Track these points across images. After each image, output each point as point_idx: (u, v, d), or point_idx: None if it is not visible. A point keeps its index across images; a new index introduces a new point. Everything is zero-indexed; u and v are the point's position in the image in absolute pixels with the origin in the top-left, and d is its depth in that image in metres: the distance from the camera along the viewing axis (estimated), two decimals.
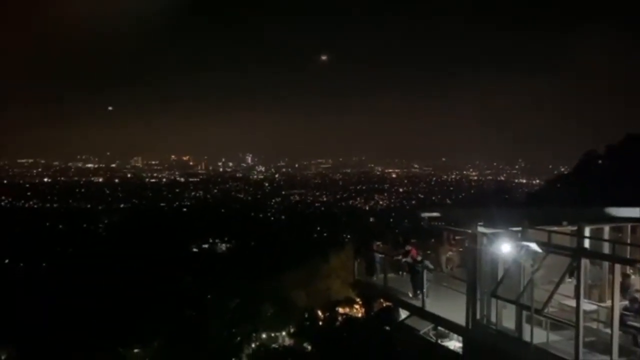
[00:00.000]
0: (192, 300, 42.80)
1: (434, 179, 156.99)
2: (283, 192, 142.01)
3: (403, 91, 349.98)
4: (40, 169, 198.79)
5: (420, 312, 15.21)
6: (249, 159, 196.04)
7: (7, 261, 66.40)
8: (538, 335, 11.09)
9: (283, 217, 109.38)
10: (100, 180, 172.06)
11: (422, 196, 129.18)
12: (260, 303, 42.10)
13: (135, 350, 37.33)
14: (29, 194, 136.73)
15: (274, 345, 40.10)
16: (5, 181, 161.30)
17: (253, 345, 39.85)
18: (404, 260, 16.51)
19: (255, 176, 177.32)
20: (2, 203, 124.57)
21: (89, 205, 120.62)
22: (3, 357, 37.04)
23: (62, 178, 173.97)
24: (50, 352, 34.91)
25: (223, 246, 77.84)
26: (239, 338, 40.11)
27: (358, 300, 37.43)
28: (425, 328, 15.53)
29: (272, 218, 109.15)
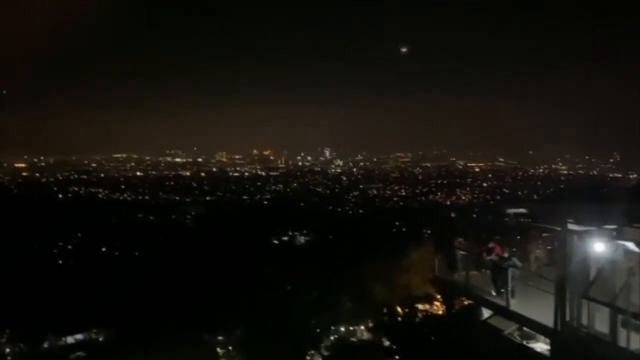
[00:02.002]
0: (273, 291, 43.85)
1: (520, 173, 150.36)
2: (361, 186, 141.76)
3: (485, 84, 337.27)
4: (133, 164, 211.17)
5: (504, 312, 14.69)
6: (327, 153, 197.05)
7: (104, 249, 71.27)
8: (635, 341, 10.37)
9: (361, 211, 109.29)
10: (188, 174, 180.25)
11: (507, 191, 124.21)
12: (338, 296, 42.44)
13: (219, 338, 38.84)
14: (123, 187, 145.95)
15: (352, 339, 40.30)
16: (102, 175, 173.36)
17: (332, 338, 40.25)
18: (488, 257, 15.98)
19: (333, 170, 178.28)
20: (100, 195, 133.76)
21: (177, 198, 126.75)
22: (101, 339, 39.84)
23: (153, 172, 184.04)
24: (142, 336, 37.05)
25: (302, 239, 79.07)
26: (317, 330, 40.65)
27: (438, 297, 36.76)
28: (510, 328, 14.99)
29: (350, 212, 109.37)
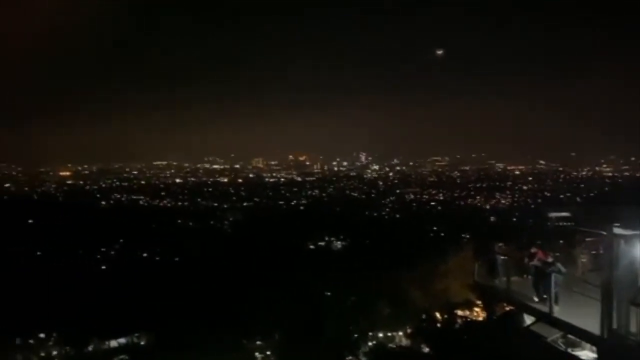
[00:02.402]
0: (310, 296, 43.93)
1: (562, 175, 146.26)
2: (397, 191, 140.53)
3: (524, 85, 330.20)
4: (172, 171, 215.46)
5: (547, 318, 14.27)
6: (363, 158, 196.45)
7: (145, 255, 72.86)
8: None
9: (397, 215, 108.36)
10: (225, 180, 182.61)
11: (548, 194, 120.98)
12: (376, 301, 42.15)
13: (258, 342, 39.14)
14: (163, 193, 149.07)
15: (391, 345, 39.93)
16: (143, 182, 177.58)
17: (370, 344, 39.98)
18: (530, 262, 15.59)
19: (369, 175, 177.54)
20: (141, 202, 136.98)
21: (215, 204, 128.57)
22: (142, 342, 40.73)
23: (192, 179, 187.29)
24: (182, 340, 37.70)
25: (338, 244, 78.96)
26: (355, 335, 40.46)
27: (478, 303, 36.03)
28: (554, 335, 14.55)
29: (387, 217, 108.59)
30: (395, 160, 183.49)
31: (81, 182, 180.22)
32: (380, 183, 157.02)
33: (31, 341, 39.16)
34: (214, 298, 45.53)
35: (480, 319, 36.05)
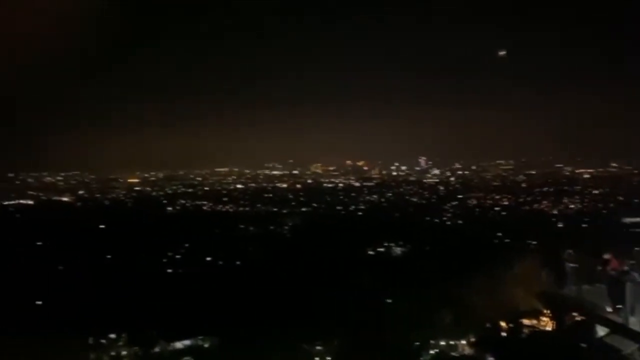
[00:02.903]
0: (370, 303, 43.62)
1: (637, 179, 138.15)
2: (459, 196, 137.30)
3: (591, 86, 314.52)
4: (234, 177, 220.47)
5: (623, 330, 13.46)
6: (423, 162, 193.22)
7: (208, 259, 74.74)
8: None
9: (460, 221, 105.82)
10: (285, 186, 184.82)
11: (621, 199, 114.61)
12: (438, 309, 41.32)
13: (318, 348, 39.20)
14: (225, 199, 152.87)
15: (453, 354, 38.99)
16: (206, 188, 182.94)
17: (432, 352, 39.20)
18: (603, 271, 14.78)
19: (429, 179, 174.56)
20: (204, 207, 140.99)
21: (275, 209, 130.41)
22: (206, 345, 41.72)
23: (253, 184, 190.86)
24: (244, 343, 38.36)
25: (398, 250, 77.98)
26: (416, 343, 39.80)
27: (546, 312, 34.62)
28: (630, 348, 13.72)
29: (448, 223, 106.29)
30: (457, 165, 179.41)
31: (148, 189, 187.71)
32: (441, 188, 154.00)
33: (103, 341, 40.99)
34: (274, 302, 46.07)
35: (548, 328, 34.64)
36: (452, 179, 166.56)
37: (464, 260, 60.89)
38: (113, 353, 40.22)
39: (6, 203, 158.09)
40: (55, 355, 37.42)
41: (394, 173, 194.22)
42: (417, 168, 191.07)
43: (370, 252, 76.16)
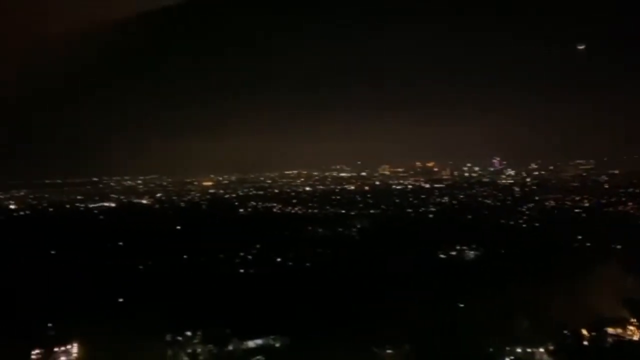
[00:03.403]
0: (442, 307, 42.70)
1: None
2: (536, 197, 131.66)
3: None
4: (302, 179, 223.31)
5: None
6: (497, 163, 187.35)
7: (278, 259, 76.02)
8: None
9: (536, 224, 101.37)
10: (353, 187, 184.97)
11: None
12: (513, 314, 39.85)
13: (388, 351, 38.82)
14: (294, 201, 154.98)
15: None
16: (276, 190, 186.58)
17: (507, 359, 37.86)
18: None
19: (503, 180, 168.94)
20: (274, 209, 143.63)
21: (343, 211, 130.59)
22: (277, 345, 42.35)
23: (321, 187, 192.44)
24: (315, 344, 38.64)
25: (471, 253, 75.78)
26: (490, 349, 38.55)
27: (633, 321, 32.51)
28: None
29: (524, 225, 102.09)
30: (533, 165, 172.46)
31: (221, 191, 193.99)
32: (517, 189, 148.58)
33: (179, 338, 42.67)
34: (344, 304, 46.13)
35: (636, 338, 32.51)
36: (528, 179, 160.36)
37: (541, 264, 58.37)
38: (189, 350, 41.73)
39: (91, 205, 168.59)
40: (135, 350, 39.34)
41: (466, 174, 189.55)
42: (491, 169, 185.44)
43: (442, 256, 74.51)
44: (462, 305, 44.80)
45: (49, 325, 44.68)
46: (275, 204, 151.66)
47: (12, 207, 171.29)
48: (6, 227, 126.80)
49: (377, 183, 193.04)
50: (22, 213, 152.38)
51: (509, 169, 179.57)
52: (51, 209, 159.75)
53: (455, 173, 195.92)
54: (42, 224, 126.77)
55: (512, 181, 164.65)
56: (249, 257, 77.69)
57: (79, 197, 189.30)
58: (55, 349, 41.35)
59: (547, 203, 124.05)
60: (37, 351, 40.75)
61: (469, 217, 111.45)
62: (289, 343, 41.59)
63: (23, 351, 40.03)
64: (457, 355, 36.33)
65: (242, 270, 70.96)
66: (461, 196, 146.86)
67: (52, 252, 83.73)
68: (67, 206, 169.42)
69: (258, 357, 40.33)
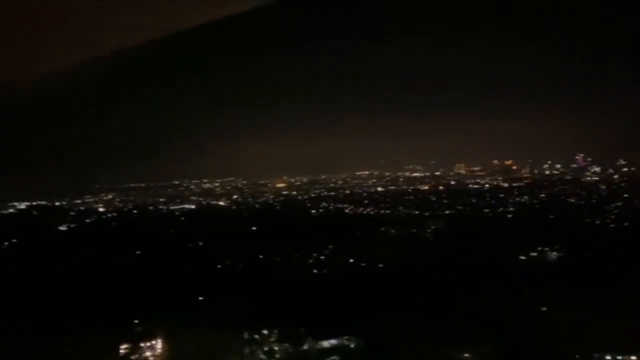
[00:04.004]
0: (522, 310, 40.97)
1: None
2: (625, 195, 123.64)
3: None
4: (374, 180, 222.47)
5: None
6: (580, 160, 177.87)
7: (351, 260, 75.98)
8: None
9: (626, 223, 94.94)
10: (426, 187, 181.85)
11: None
12: (601, 319, 37.56)
13: (465, 355, 37.73)
14: (365, 202, 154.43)
15: None
16: (347, 191, 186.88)
17: None
18: None
19: (588, 178, 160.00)
20: (346, 210, 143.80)
21: (416, 212, 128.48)
22: (352, 345, 42.33)
23: (393, 187, 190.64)
24: (390, 346, 38.26)
25: (554, 254, 72.14)
26: (577, 356, 36.57)
27: None
28: None
29: (612, 225, 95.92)
30: (621, 161, 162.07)
31: (294, 193, 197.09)
32: (603, 187, 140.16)
33: (256, 336, 43.65)
34: (419, 305, 45.33)
35: None
36: (616, 176, 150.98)
37: (631, 267, 54.54)
38: (266, 348, 42.57)
39: (172, 207, 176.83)
40: (214, 347, 40.71)
41: (547, 172, 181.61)
42: (574, 166, 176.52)
43: (522, 257, 71.50)
44: (544, 309, 42.72)
45: (135, 321, 47.09)
46: (347, 205, 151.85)
47: (100, 209, 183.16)
48: (95, 228, 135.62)
49: (453, 183, 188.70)
50: (109, 215, 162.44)
51: (594, 166, 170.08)
52: (135, 211, 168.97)
53: (535, 171, 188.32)
54: (127, 225, 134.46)
55: (597, 178, 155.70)
56: (322, 257, 78.21)
57: (161, 200, 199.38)
58: (142, 345, 43.58)
59: (638, 202, 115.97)
60: (124, 346, 43.12)
61: (551, 216, 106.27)
62: (363, 344, 41.42)
63: (112, 346, 42.46)
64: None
65: (315, 271, 71.57)
66: (542, 195, 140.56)
67: (137, 252, 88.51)
68: (151, 208, 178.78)
69: (333, 357, 40.45)
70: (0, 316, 45.91)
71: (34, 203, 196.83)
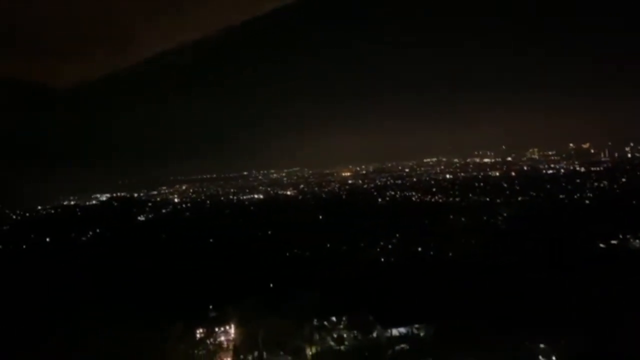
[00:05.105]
0: (603, 301, 38.96)
1: None
2: None
3: None
4: (442, 167, 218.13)
5: None
6: None
7: (419, 249, 75.06)
8: None
9: None
10: (497, 174, 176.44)
11: None
12: None
13: (541, 346, 36.48)
14: (433, 189, 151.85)
15: None
16: (414, 179, 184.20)
17: None
18: None
19: None
20: (413, 198, 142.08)
21: (487, 199, 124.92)
22: (422, 334, 41.97)
23: (462, 174, 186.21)
24: (461, 334, 37.61)
25: (637, 242, 67.91)
26: None
27: None
28: None
29: None
30: None
31: (360, 181, 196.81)
32: None
33: (325, 323, 44.23)
34: (491, 295, 44.19)
35: None
36: None
37: None
38: (335, 335, 43.06)
39: (242, 197, 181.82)
40: (285, 333, 41.69)
41: (629, 155, 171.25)
42: None
43: (602, 245, 67.89)
44: (626, 300, 40.39)
45: (210, 307, 49.06)
46: (414, 193, 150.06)
47: (175, 200, 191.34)
48: (171, 217, 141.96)
49: (525, 168, 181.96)
50: (184, 205, 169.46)
51: None
52: (208, 202, 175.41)
53: (616, 154, 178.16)
54: (201, 215, 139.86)
55: None
56: (389, 246, 77.77)
57: (231, 190, 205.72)
58: (216, 329, 45.38)
59: None
60: (200, 330, 45.10)
61: (633, 202, 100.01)
62: (433, 333, 40.96)
63: (189, 331, 44.53)
64: (619, 354, 32.89)
65: (382, 259, 71.33)
66: (623, 179, 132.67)
67: (210, 240, 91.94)
68: (222, 198, 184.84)
69: (402, 345, 40.27)
70: (84, 300, 49.35)
71: (115, 195, 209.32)
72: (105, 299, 49.60)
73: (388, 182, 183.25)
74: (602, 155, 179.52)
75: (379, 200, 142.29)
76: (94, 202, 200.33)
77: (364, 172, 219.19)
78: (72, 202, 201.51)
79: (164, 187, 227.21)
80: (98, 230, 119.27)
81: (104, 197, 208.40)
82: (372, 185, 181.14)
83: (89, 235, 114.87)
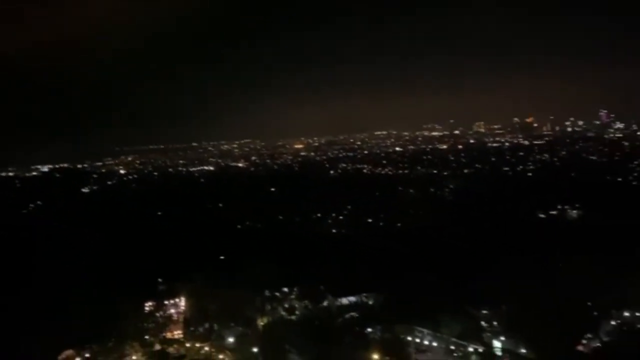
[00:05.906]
0: (542, 268, 40.88)
1: None
2: None
3: None
4: (392, 140, 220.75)
5: None
6: (604, 116, 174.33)
7: (369, 220, 76.25)
8: None
9: None
10: (445, 147, 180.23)
11: None
12: (622, 277, 37.42)
13: (484, 312, 38.03)
14: (384, 162, 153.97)
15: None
16: (365, 152, 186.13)
17: (613, 323, 35.96)
18: None
19: (611, 135, 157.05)
20: (364, 170, 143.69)
21: (435, 171, 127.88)
22: (370, 302, 42.87)
23: (411, 147, 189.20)
24: (408, 303, 38.68)
25: (574, 213, 71.41)
26: (595, 313, 36.78)
27: None
28: None
29: (635, 183, 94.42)
30: None
31: (312, 154, 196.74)
32: (626, 144, 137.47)
33: (277, 294, 44.45)
34: (438, 264, 45.60)
35: None
36: None
37: None
38: (286, 305, 43.38)
39: (192, 169, 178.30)
40: (236, 304, 41.61)
41: (569, 129, 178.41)
42: (597, 122, 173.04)
43: (541, 215, 71.04)
44: (562, 266, 42.53)
45: (159, 280, 48.26)
46: (365, 165, 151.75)
47: (121, 171, 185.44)
48: (117, 189, 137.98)
49: (472, 141, 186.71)
50: (130, 177, 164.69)
51: (617, 122, 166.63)
52: (156, 173, 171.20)
53: (557, 128, 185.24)
54: (148, 187, 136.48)
55: (620, 135, 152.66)
56: (341, 217, 78.64)
57: (180, 162, 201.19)
58: (165, 302, 44.72)
59: None
60: (149, 304, 44.27)
61: (572, 174, 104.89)
62: (381, 301, 41.88)
63: (137, 304, 43.60)
64: (558, 318, 34.73)
65: (334, 231, 72.12)
66: (563, 152, 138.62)
67: (158, 213, 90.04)
68: (170, 170, 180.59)
69: (352, 314, 41.03)
70: (30, 274, 47.56)
71: (57, 166, 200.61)
72: (50, 274, 47.94)
73: (340, 155, 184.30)
74: (544, 129, 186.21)
75: (331, 172, 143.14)
76: (34, 173, 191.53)
77: (316, 144, 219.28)
78: (11, 174, 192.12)
79: (109, 158, 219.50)
80: (39, 203, 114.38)
81: (45, 168, 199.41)
82: (324, 157, 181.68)
83: (30, 208, 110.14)
